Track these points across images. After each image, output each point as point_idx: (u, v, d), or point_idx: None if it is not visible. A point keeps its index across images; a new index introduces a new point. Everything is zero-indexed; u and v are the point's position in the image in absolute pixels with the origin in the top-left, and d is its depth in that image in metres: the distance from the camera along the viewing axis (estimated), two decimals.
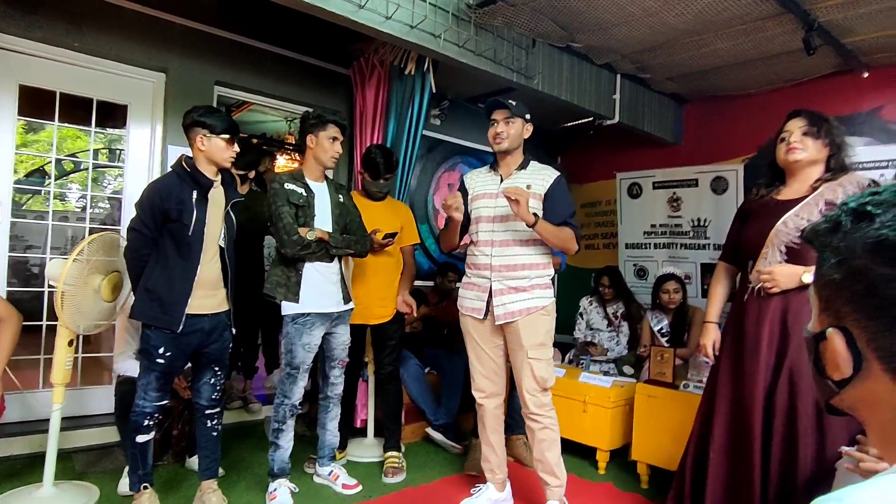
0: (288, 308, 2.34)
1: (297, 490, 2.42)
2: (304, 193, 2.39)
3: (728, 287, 2.12)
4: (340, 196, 2.53)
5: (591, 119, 4.09)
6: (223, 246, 2.19)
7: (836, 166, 1.82)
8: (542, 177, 2.29)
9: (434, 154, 4.47)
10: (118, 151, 3.39)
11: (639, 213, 4.40)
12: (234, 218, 2.25)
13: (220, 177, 2.21)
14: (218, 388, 2.27)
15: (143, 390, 2.08)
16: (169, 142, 3.22)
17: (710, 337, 2.04)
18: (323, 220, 2.43)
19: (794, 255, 1.76)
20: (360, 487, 2.52)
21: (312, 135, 2.41)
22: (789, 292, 1.76)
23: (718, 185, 3.92)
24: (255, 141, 4.79)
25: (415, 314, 3.02)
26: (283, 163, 5.62)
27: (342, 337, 2.53)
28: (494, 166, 2.39)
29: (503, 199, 2.22)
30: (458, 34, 2.99)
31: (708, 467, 1.81)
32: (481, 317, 2.30)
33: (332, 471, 2.57)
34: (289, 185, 2.36)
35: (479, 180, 2.41)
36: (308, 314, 2.34)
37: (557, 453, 2.28)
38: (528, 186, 2.25)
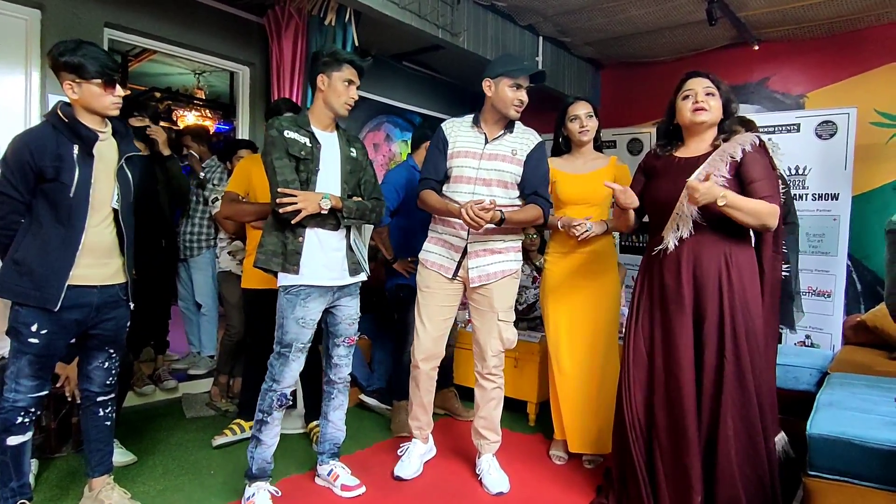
0: (284, 279, 1.92)
1: (280, 493, 1.96)
2: (308, 144, 1.92)
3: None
4: (353, 150, 2.07)
5: None
6: (117, 208, 1.75)
7: (727, 128, 1.85)
8: (525, 140, 2.10)
9: (358, 113, 4.09)
10: None
11: None
12: (129, 174, 1.81)
13: (109, 127, 1.77)
14: (113, 371, 1.86)
15: (14, 379, 1.64)
16: (49, 91, 2.64)
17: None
18: (329, 177, 1.97)
19: (705, 209, 1.74)
20: (362, 489, 2.07)
21: (324, 75, 1.95)
22: (699, 248, 1.77)
23: (634, 147, 3.95)
24: (157, 94, 4.15)
25: None
26: (192, 120, 4.95)
27: (348, 310, 2.07)
28: (477, 122, 2.12)
29: (487, 161, 2.05)
30: None
31: (654, 417, 1.81)
32: (449, 276, 2.11)
33: (331, 470, 2.12)
34: (289, 134, 1.90)
35: (462, 135, 2.11)
36: (303, 285, 1.92)
37: (500, 411, 2.22)
38: (514, 152, 2.07)
